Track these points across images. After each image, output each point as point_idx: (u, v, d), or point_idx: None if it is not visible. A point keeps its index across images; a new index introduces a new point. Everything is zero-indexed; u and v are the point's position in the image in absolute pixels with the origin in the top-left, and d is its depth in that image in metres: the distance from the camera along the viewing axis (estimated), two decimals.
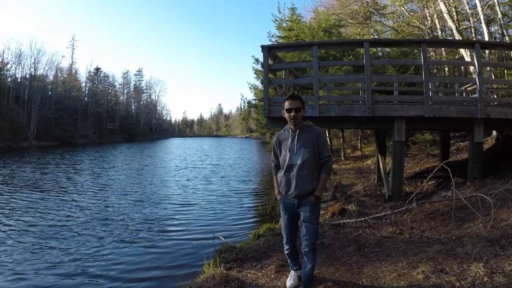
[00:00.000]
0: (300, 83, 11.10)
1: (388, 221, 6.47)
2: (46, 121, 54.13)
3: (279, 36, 23.76)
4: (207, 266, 5.13)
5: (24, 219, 9.51)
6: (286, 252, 3.98)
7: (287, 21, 24.07)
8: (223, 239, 7.20)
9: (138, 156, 34.36)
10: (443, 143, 10.35)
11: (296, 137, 3.56)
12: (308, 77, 11.95)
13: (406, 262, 4.30)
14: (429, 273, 3.82)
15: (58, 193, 13.37)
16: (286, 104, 3.55)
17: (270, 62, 8.65)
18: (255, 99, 27.66)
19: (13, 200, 12.05)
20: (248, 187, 14.89)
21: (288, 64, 10.71)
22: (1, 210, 10.54)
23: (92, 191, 13.97)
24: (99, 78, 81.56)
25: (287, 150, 3.56)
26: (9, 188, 14.37)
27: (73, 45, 78.00)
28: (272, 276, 4.45)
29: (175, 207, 11.18)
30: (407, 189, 8.87)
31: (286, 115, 3.57)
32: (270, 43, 22.19)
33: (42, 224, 9.07)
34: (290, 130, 3.63)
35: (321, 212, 6.71)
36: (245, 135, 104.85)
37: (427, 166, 10.83)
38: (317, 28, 19.59)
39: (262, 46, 8.01)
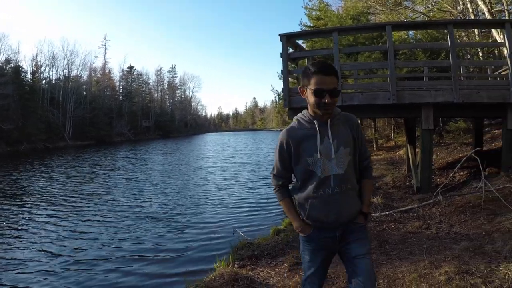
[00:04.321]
0: None
1: (415, 214, 6.09)
2: (82, 121, 55.83)
3: (307, 26, 23.29)
4: (218, 264, 5.01)
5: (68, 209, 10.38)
6: None
7: (315, 10, 23.54)
8: (242, 234, 7.08)
9: (172, 152, 35.13)
10: (476, 131, 9.73)
11: (330, 132, 2.15)
12: None
13: (429, 261, 3.94)
14: (453, 274, 3.44)
15: (90, 187, 13.96)
16: (316, 82, 2.08)
17: (290, 51, 8.41)
18: None
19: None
20: None
21: (308, 52, 10.34)
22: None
23: (125, 186, 14.59)
24: (133, 77, 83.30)
25: (317, 154, 2.13)
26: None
27: (105, 45, 79.97)
28: (285, 275, 4.26)
29: (201, 199, 11.45)
30: (438, 180, 8.36)
31: (313, 99, 2.09)
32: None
33: (80, 214, 9.89)
34: (313, 122, 2.18)
35: None
36: (280, 128, 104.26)
37: (460, 155, 10.22)
38: (345, 16, 19.07)
39: (280, 35, 7.81)
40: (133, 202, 11.51)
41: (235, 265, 4.80)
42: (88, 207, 10.96)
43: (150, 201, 11.48)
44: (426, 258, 4.06)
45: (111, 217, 9.58)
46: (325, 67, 2.10)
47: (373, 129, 21.13)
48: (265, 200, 10.87)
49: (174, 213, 9.73)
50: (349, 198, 2.19)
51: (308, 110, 2.24)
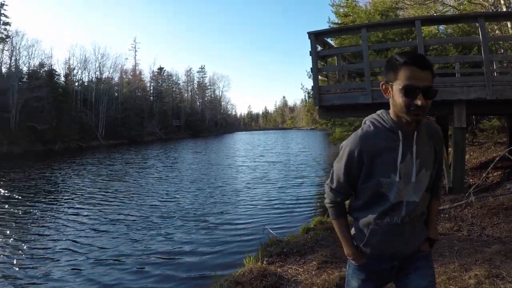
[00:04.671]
0: (350, 69, 10.65)
1: (446, 215, 5.98)
2: (114, 121, 57.46)
3: (335, 23, 23.08)
4: (248, 260, 5.10)
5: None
6: None
7: (342, 6, 23.30)
8: (271, 231, 7.20)
9: (202, 150, 35.78)
10: (510, 129, 9.40)
11: (415, 149, 1.66)
12: (358, 63, 11.45)
13: (459, 263, 3.89)
14: (483, 278, 3.38)
15: (120, 185, 14.40)
16: (407, 76, 1.55)
17: (319, 49, 8.42)
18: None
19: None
20: (305, 180, 14.76)
21: (337, 50, 10.26)
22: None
23: (155, 185, 15.02)
24: (163, 77, 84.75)
25: (395, 176, 1.65)
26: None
27: (135, 47, 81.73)
28: (313, 272, 4.30)
29: (231, 198, 11.68)
30: (471, 180, 8.15)
31: (401, 99, 1.57)
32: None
33: (109, 211, 10.28)
34: (396, 131, 1.67)
35: None
36: (310, 127, 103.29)
37: (494, 155, 9.89)
38: (373, 12, 18.73)
39: (309, 33, 7.83)
40: (162, 200, 11.81)
41: (264, 262, 4.90)
42: (118, 204, 11.34)
43: (180, 200, 11.74)
44: (456, 260, 4.01)
45: (140, 215, 9.88)
46: (418, 58, 1.57)
47: None
48: (295, 200, 10.91)
49: (203, 212, 9.93)
50: (417, 228, 1.78)
51: (389, 112, 1.72)
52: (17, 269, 6.38)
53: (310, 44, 7.89)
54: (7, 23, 46.62)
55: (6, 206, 11.42)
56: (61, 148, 43.37)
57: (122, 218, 9.70)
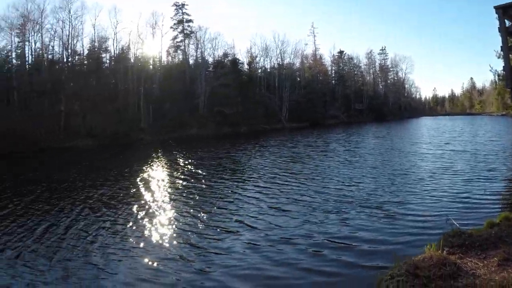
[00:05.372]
0: None
1: None
2: (296, 105, 60.96)
3: None
4: (429, 247, 5.36)
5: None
6: None
7: None
8: (455, 223, 7.16)
9: (384, 135, 35.45)
10: None
11: None
12: None
13: None
14: None
15: (299, 167, 15.75)
16: None
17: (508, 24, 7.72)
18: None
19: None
20: (494, 173, 13.40)
21: None
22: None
23: (334, 169, 15.85)
24: (344, 61, 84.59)
25: None
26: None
27: (313, 33, 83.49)
28: (493, 268, 4.38)
29: (414, 187, 11.65)
30: None
31: None
32: None
33: (286, 192, 11.26)
34: None
35: None
36: (501, 112, 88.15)
37: None
38: None
39: (496, 7, 7.27)
40: (342, 184, 12.43)
41: (444, 251, 5.13)
42: (298, 186, 12.34)
43: (360, 185, 12.16)
44: None
45: (319, 198, 10.57)
46: None
47: None
48: (481, 193, 10.28)
49: (384, 200, 10.15)
50: None
51: None
52: (202, 239, 7.64)
53: (498, 20, 7.31)
54: (189, 20, 55.52)
55: (192, 180, 13.88)
56: (246, 130, 48.57)
57: (301, 199, 10.47)
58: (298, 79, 68.48)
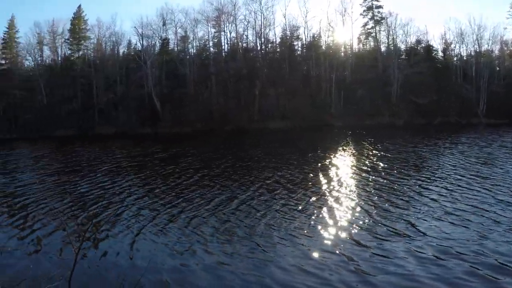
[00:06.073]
0: None
1: None
2: (496, 97, 53.23)
3: None
4: None
5: None
6: None
7: None
8: None
9: None
10: None
11: None
12: None
13: None
14: None
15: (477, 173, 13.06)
16: None
17: None
18: None
19: None
20: None
21: None
22: None
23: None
24: None
25: None
26: None
27: None
28: None
29: None
30: None
31: None
32: None
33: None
34: None
35: None
36: None
37: None
38: None
39: None
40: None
41: None
42: (483, 193, 10.76)
43: None
44: None
45: (505, 212, 9.02)
46: None
47: None
48: None
49: None
50: None
51: None
52: (367, 236, 7.35)
53: None
54: (379, 6, 53.12)
55: (372, 173, 13.52)
56: (440, 122, 45.23)
57: (485, 209, 9.23)
58: (498, 68, 59.64)
